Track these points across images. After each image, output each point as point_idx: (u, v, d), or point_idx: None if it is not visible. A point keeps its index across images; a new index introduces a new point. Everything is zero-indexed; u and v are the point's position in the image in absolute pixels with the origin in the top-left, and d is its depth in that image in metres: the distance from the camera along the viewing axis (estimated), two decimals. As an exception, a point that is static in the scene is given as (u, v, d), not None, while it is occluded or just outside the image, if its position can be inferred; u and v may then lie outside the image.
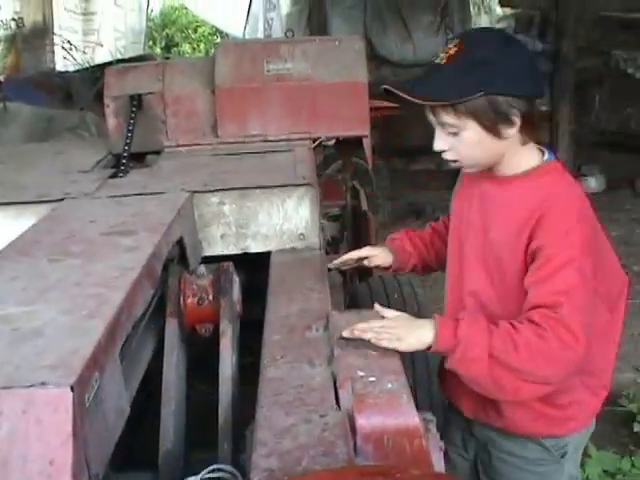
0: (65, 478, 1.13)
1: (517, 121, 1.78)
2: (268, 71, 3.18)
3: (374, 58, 8.33)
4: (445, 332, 1.72)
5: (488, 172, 1.92)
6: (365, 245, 3.88)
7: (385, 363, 1.60)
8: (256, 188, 2.41)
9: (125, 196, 2.41)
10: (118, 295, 1.55)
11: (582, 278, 1.74)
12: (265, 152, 2.97)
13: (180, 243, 2.15)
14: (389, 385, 1.50)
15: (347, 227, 3.85)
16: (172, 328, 1.94)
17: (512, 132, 1.80)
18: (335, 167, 5.77)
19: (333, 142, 3.50)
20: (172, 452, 1.77)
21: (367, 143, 3.26)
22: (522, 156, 1.87)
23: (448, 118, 1.80)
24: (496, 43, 1.81)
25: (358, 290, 3.28)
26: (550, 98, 8.47)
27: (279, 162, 2.81)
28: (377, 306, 1.77)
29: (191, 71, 3.27)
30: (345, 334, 1.65)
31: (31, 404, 1.15)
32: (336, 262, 2.15)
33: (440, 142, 1.86)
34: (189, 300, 1.95)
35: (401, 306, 2.95)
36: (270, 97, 3.17)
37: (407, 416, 1.43)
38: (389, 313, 1.77)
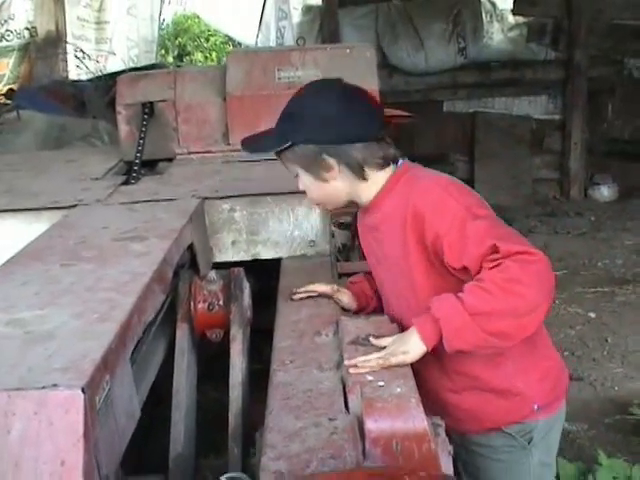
0: (76, 479, 1.15)
1: (335, 166, 1.88)
2: (279, 79, 3.20)
3: (386, 67, 8.33)
4: (425, 327, 1.75)
5: (362, 207, 2.02)
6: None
7: (394, 368, 1.61)
8: (267, 195, 2.43)
9: (136, 202, 2.43)
10: (129, 299, 1.57)
11: (486, 218, 1.81)
12: (276, 159, 2.97)
13: (191, 249, 2.17)
14: (398, 390, 1.51)
15: (358, 235, 3.85)
16: (183, 333, 1.95)
17: (334, 175, 1.90)
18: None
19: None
20: (182, 456, 1.78)
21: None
22: (371, 184, 1.94)
23: (287, 166, 1.98)
24: (306, 95, 1.95)
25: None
26: (562, 107, 8.47)
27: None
28: (372, 339, 1.78)
29: (202, 79, 3.30)
30: (351, 370, 1.63)
31: (43, 406, 1.16)
32: (300, 292, 2.12)
33: (299, 185, 2.01)
34: (200, 305, 1.96)
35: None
36: (281, 105, 3.15)
37: (415, 420, 1.43)
38: (385, 341, 1.78)
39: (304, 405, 1.47)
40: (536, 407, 2.04)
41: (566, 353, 4.79)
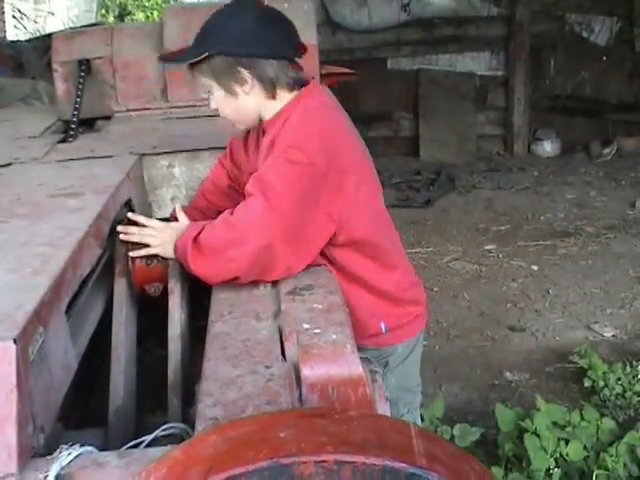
0: (9, 429, 1.15)
1: (248, 79, 1.95)
2: (217, 34, 3.16)
3: (329, 24, 8.29)
4: (180, 243, 1.86)
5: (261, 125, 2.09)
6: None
7: (330, 316, 1.63)
8: (206, 150, 2.42)
9: (73, 160, 2.40)
10: (63, 253, 1.56)
11: (300, 180, 1.83)
12: (214, 115, 2.96)
13: (129, 205, 2.15)
14: (333, 337, 1.53)
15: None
16: (121, 287, 1.95)
17: (247, 89, 1.97)
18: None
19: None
20: (122, 409, 1.78)
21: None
22: (277, 103, 2.01)
23: (202, 81, 2.03)
24: (225, 12, 1.99)
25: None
26: (505, 63, 8.52)
27: (228, 124, 2.80)
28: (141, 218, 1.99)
29: (140, 35, 3.25)
30: (121, 237, 1.96)
31: (-26, 357, 1.16)
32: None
33: (211, 103, 2.09)
34: (137, 260, 1.95)
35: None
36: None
37: (351, 366, 1.46)
38: (155, 223, 1.97)
39: (241, 354, 1.48)
40: (384, 328, 2.12)
41: (509, 305, 4.89)
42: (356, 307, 1.97)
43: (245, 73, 1.94)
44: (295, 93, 2.00)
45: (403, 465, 0.91)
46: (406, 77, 8.55)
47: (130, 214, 2.05)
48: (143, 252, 1.95)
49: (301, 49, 2.04)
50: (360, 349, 2.09)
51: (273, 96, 1.98)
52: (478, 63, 8.56)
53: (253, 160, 2.12)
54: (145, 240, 1.95)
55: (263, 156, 1.98)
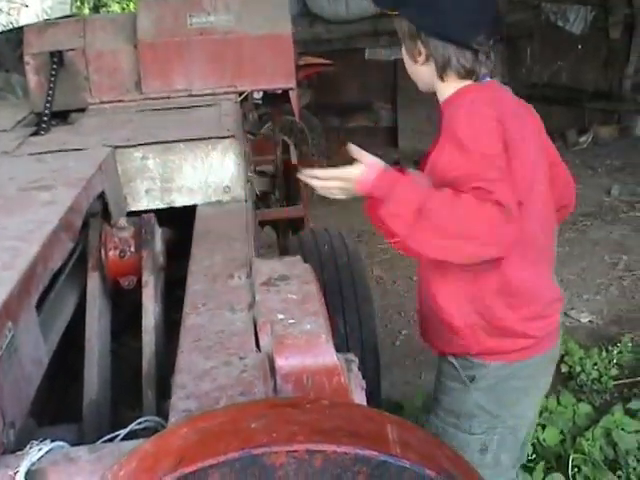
0: (-22, 424, 1.13)
1: (422, 52, 1.98)
2: (191, 25, 3.15)
3: (307, 15, 8.27)
4: (378, 180, 1.89)
5: None
6: (295, 199, 3.92)
7: (305, 306, 1.62)
8: (180, 141, 2.40)
9: (45, 153, 2.37)
10: (33, 248, 1.54)
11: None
12: (190, 107, 2.94)
13: (102, 198, 2.13)
14: (308, 327, 1.52)
15: (277, 181, 3.86)
16: (94, 281, 1.93)
17: (421, 61, 2.00)
18: (270, 126, 5.77)
19: (260, 95, 3.48)
20: (96, 403, 1.77)
21: (293, 96, 3.25)
22: (446, 87, 2.01)
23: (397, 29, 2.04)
24: None
25: (289, 243, 3.30)
26: (482, 52, 8.54)
27: (204, 116, 2.79)
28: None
29: (113, 27, 3.22)
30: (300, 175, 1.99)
31: (-59, 353, 1.14)
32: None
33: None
34: (111, 253, 1.93)
35: (332, 257, 2.98)
36: (194, 51, 3.14)
37: (325, 355, 1.45)
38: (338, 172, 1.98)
39: (215, 345, 1.47)
40: (483, 348, 2.06)
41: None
42: (453, 313, 2.00)
43: (420, 46, 1.98)
44: (466, 83, 1.99)
45: (375, 453, 0.91)
46: (384, 67, 8.55)
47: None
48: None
49: (490, 38, 1.99)
50: (449, 356, 2.13)
51: (442, 78, 2.00)
52: (456, 52, 8.57)
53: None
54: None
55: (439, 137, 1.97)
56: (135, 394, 2.00)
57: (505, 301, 2.01)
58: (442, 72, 1.98)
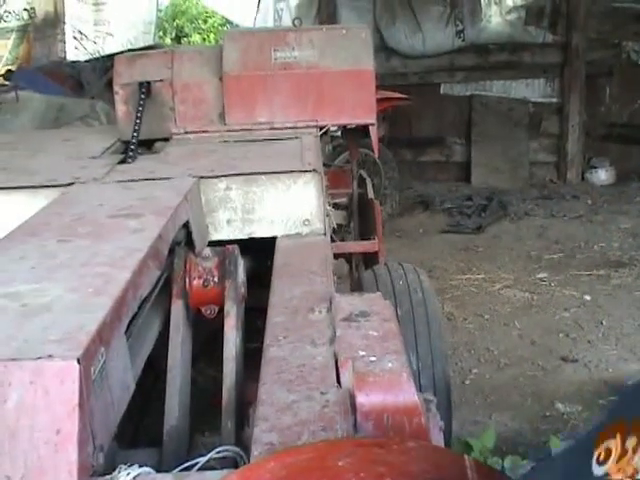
0: (71, 447, 1.17)
1: None
2: (275, 59, 3.21)
3: (384, 49, 8.33)
4: None
5: None
6: (370, 233, 3.92)
7: (386, 344, 1.63)
8: (262, 174, 2.44)
9: (133, 181, 2.44)
10: (124, 274, 1.58)
11: None
12: (272, 139, 2.99)
13: (186, 227, 2.18)
14: (389, 364, 1.53)
15: (353, 215, 3.88)
16: (178, 309, 1.96)
17: None
18: (344, 158, 5.80)
19: (340, 131, 3.52)
20: (176, 430, 1.80)
21: (373, 131, 3.28)
22: None
23: None
24: None
25: (364, 277, 3.30)
26: (560, 90, 8.46)
27: (285, 149, 2.83)
28: None
29: (199, 59, 3.30)
30: None
31: (39, 375, 1.18)
32: None
33: None
34: (195, 282, 1.97)
35: (406, 293, 2.97)
36: (277, 85, 3.20)
37: (407, 394, 1.45)
38: None
39: (297, 379, 1.49)
40: None
41: (561, 335, 4.82)
42: None
43: None
44: None
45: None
46: (459, 102, 8.55)
47: None
48: None
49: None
50: None
51: None
52: (532, 90, 8.52)
53: None
54: None
55: None
56: (207, 420, 2.03)
57: None
58: None
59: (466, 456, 1.07)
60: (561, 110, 8.42)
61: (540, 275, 5.84)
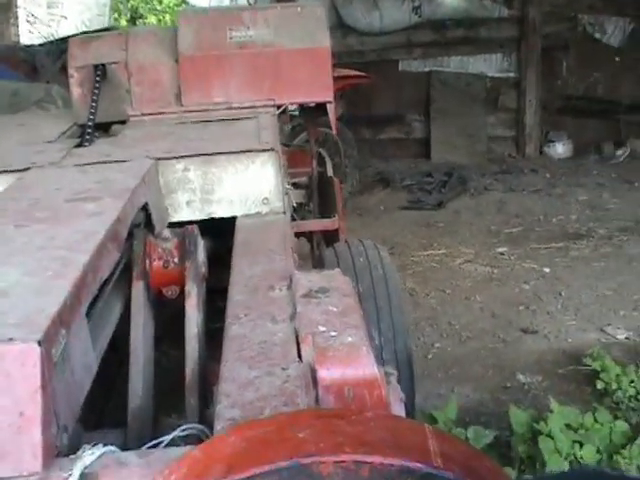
0: (34, 429, 1.17)
1: None
2: (231, 39, 3.20)
3: (341, 27, 8.32)
4: None
5: None
6: (330, 211, 3.95)
7: (346, 319, 1.65)
8: (220, 154, 2.44)
9: (90, 164, 2.43)
10: (83, 257, 1.58)
11: None
12: (229, 119, 2.99)
13: (145, 209, 2.18)
14: (349, 339, 1.55)
15: (313, 194, 3.89)
16: (138, 290, 1.97)
17: None
18: (303, 137, 5.80)
19: (298, 110, 3.52)
20: (140, 410, 1.81)
21: (331, 109, 3.28)
22: None
23: None
24: None
25: (325, 255, 3.32)
26: (517, 65, 8.53)
27: (243, 129, 2.83)
28: None
29: (154, 40, 3.28)
30: None
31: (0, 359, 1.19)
32: None
33: None
34: (155, 263, 1.97)
35: (367, 269, 3.00)
36: (233, 65, 3.19)
37: (366, 367, 1.47)
38: None
39: (258, 356, 1.50)
40: None
41: (521, 307, 4.90)
42: None
43: None
44: None
45: (419, 465, 0.93)
46: (417, 79, 8.57)
47: None
48: None
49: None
50: None
51: None
52: (489, 65, 8.58)
53: None
54: None
55: None
56: (173, 400, 2.04)
57: None
58: None
59: (426, 425, 1.09)
60: (518, 84, 8.50)
61: (500, 249, 5.91)
